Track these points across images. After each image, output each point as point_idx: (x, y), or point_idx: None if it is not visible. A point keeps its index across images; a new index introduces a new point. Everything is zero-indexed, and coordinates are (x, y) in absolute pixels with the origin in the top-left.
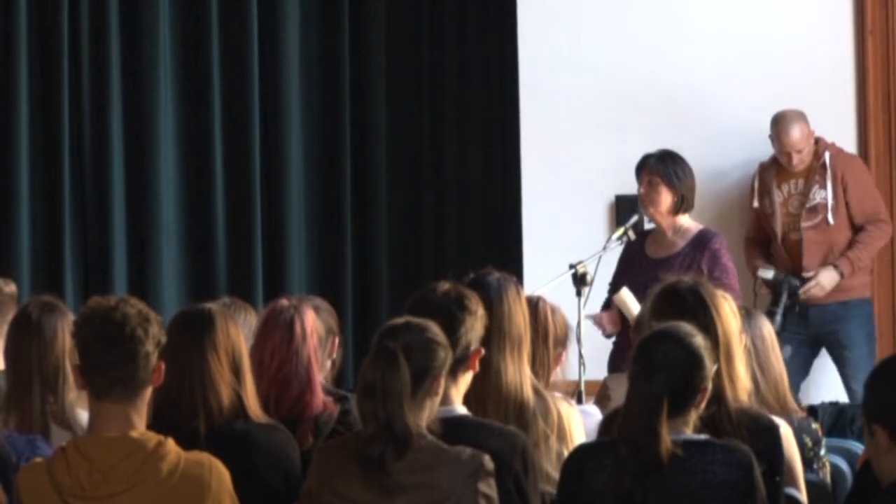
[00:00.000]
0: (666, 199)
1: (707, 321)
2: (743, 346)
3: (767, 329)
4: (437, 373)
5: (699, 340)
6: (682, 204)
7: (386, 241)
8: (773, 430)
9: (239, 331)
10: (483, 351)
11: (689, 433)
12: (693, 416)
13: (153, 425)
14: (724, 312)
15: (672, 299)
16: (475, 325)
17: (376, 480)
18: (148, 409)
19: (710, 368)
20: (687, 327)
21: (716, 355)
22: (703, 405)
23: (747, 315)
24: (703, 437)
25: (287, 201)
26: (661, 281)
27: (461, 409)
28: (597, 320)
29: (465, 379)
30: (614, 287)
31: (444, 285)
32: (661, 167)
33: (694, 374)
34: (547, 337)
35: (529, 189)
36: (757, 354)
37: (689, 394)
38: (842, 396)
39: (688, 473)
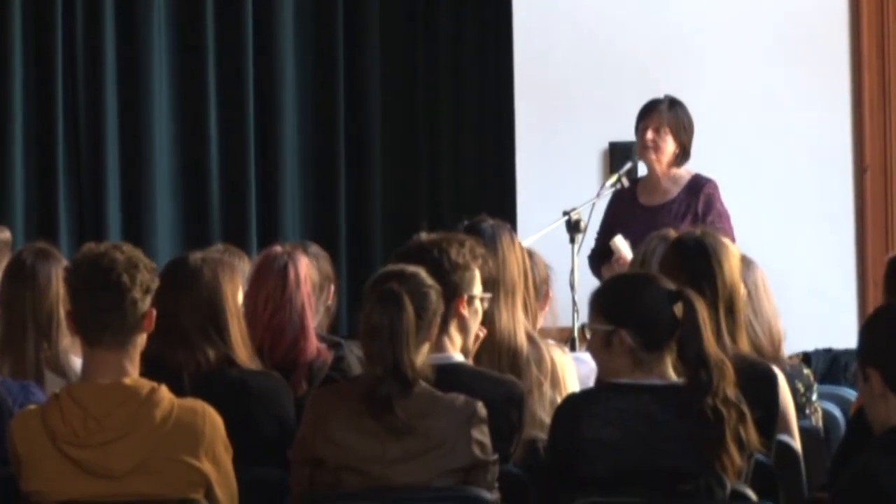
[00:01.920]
0: (671, 148)
1: (708, 272)
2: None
3: (761, 275)
4: (432, 317)
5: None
6: (683, 157)
7: (380, 188)
8: (770, 378)
9: (229, 279)
10: (467, 298)
11: (673, 377)
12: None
13: (146, 373)
14: (729, 263)
15: (676, 251)
16: (463, 274)
17: (383, 421)
18: (142, 357)
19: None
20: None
21: (710, 308)
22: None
23: (742, 263)
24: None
25: (281, 147)
26: (657, 229)
27: (458, 357)
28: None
29: (457, 327)
30: (604, 235)
31: (426, 236)
32: (673, 115)
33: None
34: (527, 278)
35: (523, 136)
36: (751, 300)
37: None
38: (835, 343)
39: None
